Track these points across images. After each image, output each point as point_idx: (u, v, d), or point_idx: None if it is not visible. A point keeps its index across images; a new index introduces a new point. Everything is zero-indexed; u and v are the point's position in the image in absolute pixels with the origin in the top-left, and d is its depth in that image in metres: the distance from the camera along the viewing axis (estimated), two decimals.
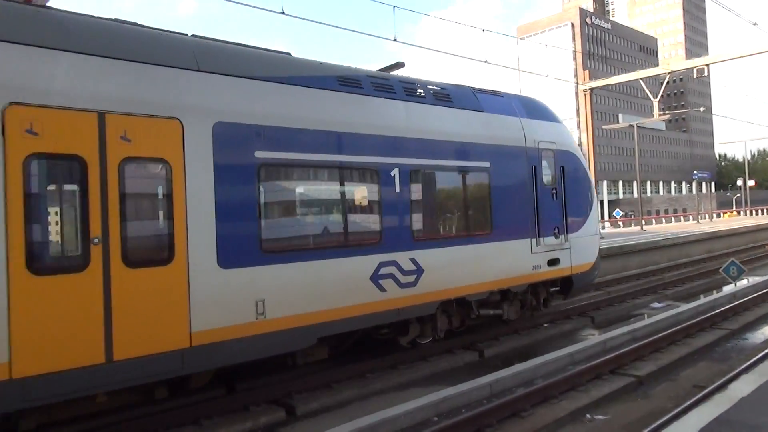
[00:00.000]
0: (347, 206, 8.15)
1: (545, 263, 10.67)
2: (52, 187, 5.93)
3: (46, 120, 5.58)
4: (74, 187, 5.86)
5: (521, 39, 59.13)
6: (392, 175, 8.37)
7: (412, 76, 9.67)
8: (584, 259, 11.65)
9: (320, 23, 24.78)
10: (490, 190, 9.83)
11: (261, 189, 7.09)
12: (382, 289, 8.13)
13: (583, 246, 11.60)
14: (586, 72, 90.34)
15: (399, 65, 14.78)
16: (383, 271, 8.16)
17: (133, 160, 6.11)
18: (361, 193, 8.36)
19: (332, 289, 7.59)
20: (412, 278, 8.48)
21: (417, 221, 8.73)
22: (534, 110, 11.31)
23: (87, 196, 5.79)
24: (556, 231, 10.93)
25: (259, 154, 7.05)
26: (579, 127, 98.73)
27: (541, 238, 10.59)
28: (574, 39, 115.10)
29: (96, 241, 5.78)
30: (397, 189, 8.42)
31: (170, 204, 6.32)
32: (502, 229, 9.91)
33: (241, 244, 6.81)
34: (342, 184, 8.05)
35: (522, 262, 10.25)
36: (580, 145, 40.76)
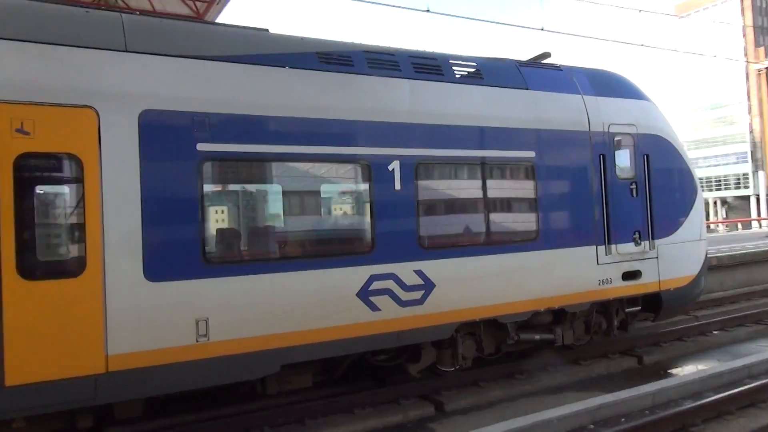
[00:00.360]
0: (323, 207, 7.18)
1: (618, 276, 8.61)
2: None
3: None
4: None
5: (681, 17, 54.14)
6: (390, 169, 6.92)
7: (438, 51, 8.07)
8: (680, 271, 9.21)
9: (465, 17, 24.37)
10: (536, 185, 8.01)
11: (204, 188, 6.02)
12: (374, 307, 6.72)
13: (679, 255, 9.20)
14: (760, 50, 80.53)
15: (545, 55, 14.27)
16: (376, 285, 6.73)
17: (32, 156, 5.32)
18: (343, 190, 7.30)
19: (302, 307, 6.33)
20: (417, 295, 6.99)
21: (426, 225, 7.21)
22: (605, 85, 9.13)
23: None
24: (637, 236, 8.80)
25: (203, 147, 5.97)
26: (750, 112, 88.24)
27: (613, 246, 8.55)
28: (743, 13, 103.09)
29: None
30: (398, 186, 6.95)
31: (81, 206, 5.46)
32: (553, 235, 8.08)
33: (177, 253, 5.78)
34: (316, 181, 7.02)
35: (582, 276, 8.31)
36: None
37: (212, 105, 6.07)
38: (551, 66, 9.08)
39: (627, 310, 8.98)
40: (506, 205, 8.16)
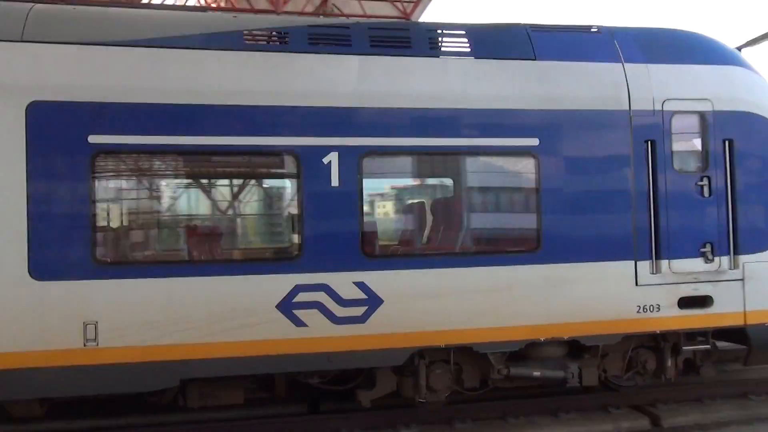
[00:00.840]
0: (237, 206, 6.47)
1: (673, 303, 6.57)
2: None
3: None
4: None
5: None
6: (326, 162, 5.91)
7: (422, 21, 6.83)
8: None
9: None
10: (539, 181, 6.37)
11: (96, 183, 5.61)
12: (299, 323, 5.82)
13: None
14: None
15: None
16: (302, 297, 5.82)
17: None
18: (260, 187, 6.54)
19: (207, 317, 5.69)
20: (358, 311, 5.94)
21: (372, 229, 6.37)
22: (665, 48, 6.94)
23: None
24: (708, 249, 6.63)
25: (95, 139, 5.55)
26: None
27: (664, 261, 6.55)
28: None
29: None
30: (335, 182, 5.92)
31: None
32: (563, 244, 6.38)
33: (64, 251, 5.51)
34: (228, 175, 6.33)
35: (610, 299, 6.48)
36: None
37: (108, 94, 5.61)
38: (580, 28, 7.07)
39: (688, 347, 6.83)
40: (490, 205, 6.88)
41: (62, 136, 5.53)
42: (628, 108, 6.61)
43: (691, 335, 6.84)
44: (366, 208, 6.13)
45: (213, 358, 5.69)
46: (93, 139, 5.55)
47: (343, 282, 5.90)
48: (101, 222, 5.81)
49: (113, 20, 6.04)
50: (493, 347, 6.28)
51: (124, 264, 5.89)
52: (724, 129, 6.75)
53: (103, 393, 5.90)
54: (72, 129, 5.54)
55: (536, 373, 6.55)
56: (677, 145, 6.70)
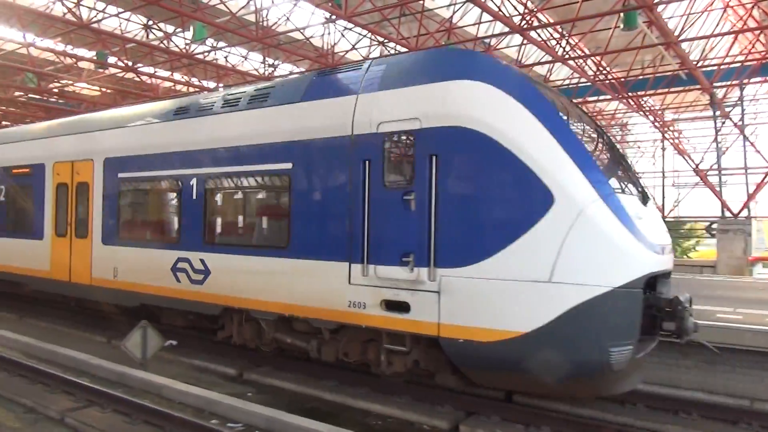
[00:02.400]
0: (166, 210, 10.55)
1: (376, 303, 7.19)
2: None
3: None
4: None
5: None
6: (191, 184, 9.49)
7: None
8: (488, 319, 6.48)
9: None
10: (291, 196, 8.10)
11: (122, 199, 10.97)
12: (178, 280, 9.54)
13: (488, 295, 6.50)
14: None
15: None
16: (180, 265, 9.53)
17: None
18: (172, 199, 10.23)
19: (149, 271, 10.02)
20: (200, 277, 9.30)
21: (203, 226, 9.39)
22: (407, 73, 7.46)
23: None
24: (410, 260, 6.92)
25: (121, 175, 10.97)
26: None
27: (371, 266, 7.21)
28: None
29: None
30: (194, 197, 9.44)
31: None
32: (301, 244, 7.94)
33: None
34: (162, 191, 10.39)
35: (331, 292, 7.56)
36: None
37: (125, 152, 10.78)
38: (353, 66, 8.42)
39: (388, 346, 7.36)
40: (262, 213, 9.16)
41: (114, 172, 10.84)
42: (351, 133, 7.53)
43: (430, 341, 7.03)
44: (208, 213, 9.39)
45: (151, 294, 9.98)
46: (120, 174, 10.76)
47: (195, 258, 9.31)
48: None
49: (127, 114, 11.60)
50: (260, 314, 8.61)
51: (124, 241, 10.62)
52: (430, 145, 6.92)
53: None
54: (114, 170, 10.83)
55: (288, 340, 8.52)
56: (389, 163, 7.28)
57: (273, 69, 21.52)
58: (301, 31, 19.11)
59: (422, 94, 7.12)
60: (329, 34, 20.24)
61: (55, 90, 24.80)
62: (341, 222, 7.51)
